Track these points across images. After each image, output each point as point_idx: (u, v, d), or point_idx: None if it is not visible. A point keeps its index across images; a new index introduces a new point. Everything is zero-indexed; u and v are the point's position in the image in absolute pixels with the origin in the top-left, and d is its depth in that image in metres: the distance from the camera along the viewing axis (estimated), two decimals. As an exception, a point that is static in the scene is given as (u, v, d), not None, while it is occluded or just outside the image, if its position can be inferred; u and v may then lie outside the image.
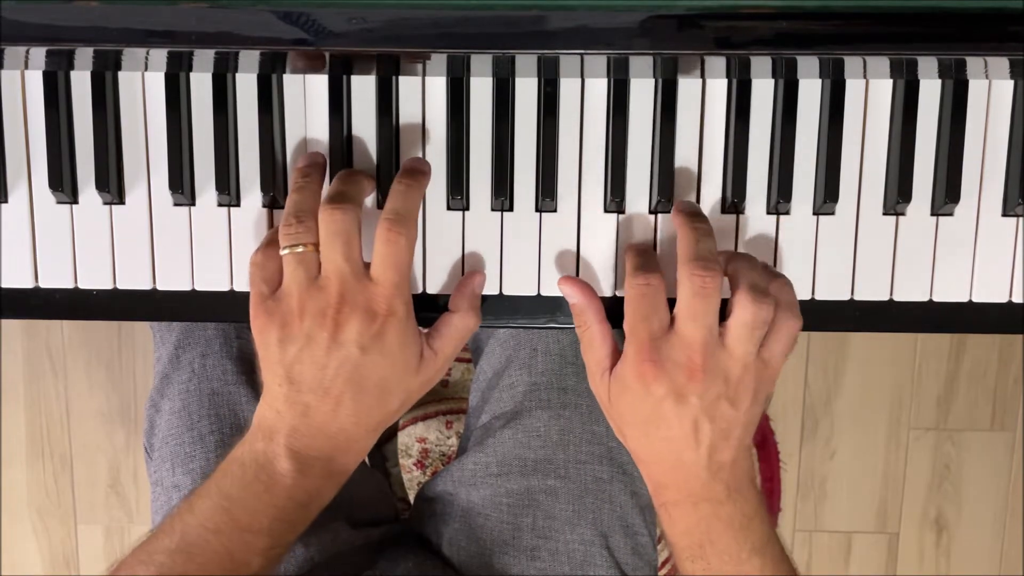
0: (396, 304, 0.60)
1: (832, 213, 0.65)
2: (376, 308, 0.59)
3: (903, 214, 0.65)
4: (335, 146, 0.64)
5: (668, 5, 0.58)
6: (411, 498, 1.07)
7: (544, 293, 0.66)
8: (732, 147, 0.64)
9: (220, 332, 0.80)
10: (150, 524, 0.82)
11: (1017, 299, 0.66)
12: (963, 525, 1.56)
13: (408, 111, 0.65)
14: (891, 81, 0.64)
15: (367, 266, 0.60)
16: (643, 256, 0.62)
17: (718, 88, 0.64)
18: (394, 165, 0.65)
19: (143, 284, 0.66)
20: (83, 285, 0.66)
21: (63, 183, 0.64)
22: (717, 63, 0.62)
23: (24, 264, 0.66)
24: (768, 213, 0.65)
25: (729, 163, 0.64)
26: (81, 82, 0.64)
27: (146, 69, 0.64)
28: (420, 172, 0.63)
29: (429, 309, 0.66)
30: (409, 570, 0.77)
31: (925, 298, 0.66)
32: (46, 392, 1.55)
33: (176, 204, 0.66)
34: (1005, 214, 0.65)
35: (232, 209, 0.66)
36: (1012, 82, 0.64)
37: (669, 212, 0.65)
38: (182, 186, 0.64)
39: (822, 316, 0.66)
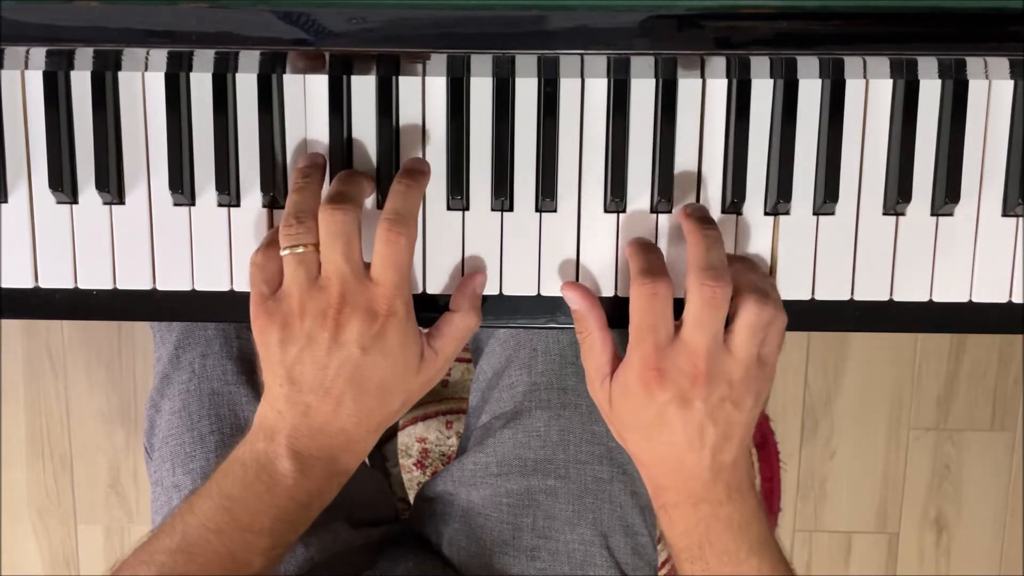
0: (397, 304, 0.60)
1: (832, 213, 0.65)
2: (377, 308, 0.59)
3: (903, 214, 0.65)
4: (335, 146, 0.64)
5: (668, 5, 0.58)
6: (411, 498, 1.07)
7: (544, 293, 0.66)
8: (732, 147, 0.64)
9: (220, 332, 0.80)
10: (150, 524, 0.82)
11: (1017, 299, 0.66)
12: (963, 525, 1.56)
13: (408, 111, 0.65)
14: (891, 81, 0.64)
15: (367, 266, 0.60)
16: (648, 256, 0.62)
17: (718, 88, 0.64)
18: (394, 165, 0.65)
19: (143, 284, 0.66)
20: (83, 285, 0.66)
21: (63, 183, 0.64)
22: (717, 63, 0.62)
23: (24, 264, 0.66)
24: (768, 213, 0.65)
25: (729, 163, 0.64)
26: (81, 82, 0.64)
27: (146, 69, 0.64)
28: (420, 172, 0.63)
29: (429, 309, 0.66)
30: (409, 570, 0.77)
31: (925, 298, 0.66)
32: (46, 392, 1.55)
33: (176, 204, 0.66)
34: (1005, 214, 0.65)
35: (232, 209, 0.66)
36: (1012, 82, 0.64)
37: (669, 212, 0.65)
38: (182, 186, 0.64)
39: (822, 316, 0.66)
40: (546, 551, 0.75)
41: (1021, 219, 0.65)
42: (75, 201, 0.65)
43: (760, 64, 0.62)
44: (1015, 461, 1.54)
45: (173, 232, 0.66)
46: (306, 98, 0.65)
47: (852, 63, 0.62)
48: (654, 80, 0.64)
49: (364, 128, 0.65)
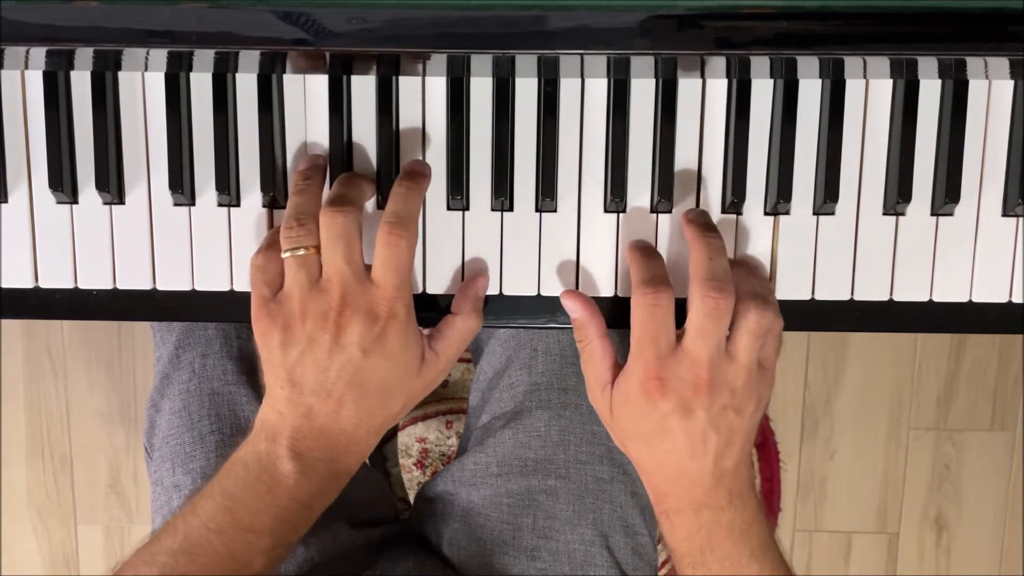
0: (397, 306, 0.60)
1: (832, 213, 0.65)
2: (377, 310, 0.60)
3: (903, 214, 0.65)
4: (335, 146, 0.64)
5: (668, 5, 0.58)
6: (411, 498, 1.07)
7: (544, 293, 0.66)
8: (732, 147, 0.64)
9: (220, 332, 0.80)
10: (150, 524, 0.82)
11: (1017, 299, 0.66)
12: (963, 525, 1.56)
13: (408, 111, 0.65)
14: (891, 81, 0.64)
15: (368, 268, 0.61)
16: (650, 264, 0.62)
17: (718, 88, 0.64)
18: (394, 165, 0.65)
19: (143, 284, 0.66)
20: (83, 285, 0.66)
21: (63, 183, 0.64)
22: (717, 63, 0.62)
23: (24, 264, 0.66)
24: (768, 213, 0.65)
25: (729, 163, 0.64)
26: (81, 82, 0.64)
27: (146, 69, 0.64)
28: (420, 175, 0.63)
29: (429, 309, 0.66)
30: (409, 570, 0.77)
31: (925, 298, 0.66)
32: (46, 392, 1.55)
33: (176, 204, 0.66)
34: (1005, 214, 0.65)
35: (232, 209, 0.66)
36: (1012, 82, 0.64)
37: (669, 212, 0.65)
38: (182, 186, 0.64)
39: (822, 316, 0.66)
40: (546, 551, 0.75)
41: (1021, 219, 0.65)
42: (75, 201, 0.65)
43: (760, 64, 0.62)
44: (1015, 461, 1.54)
45: (173, 232, 0.66)
46: (306, 98, 0.65)
47: (852, 63, 0.62)
48: (654, 80, 0.64)
49: (364, 128, 0.65)
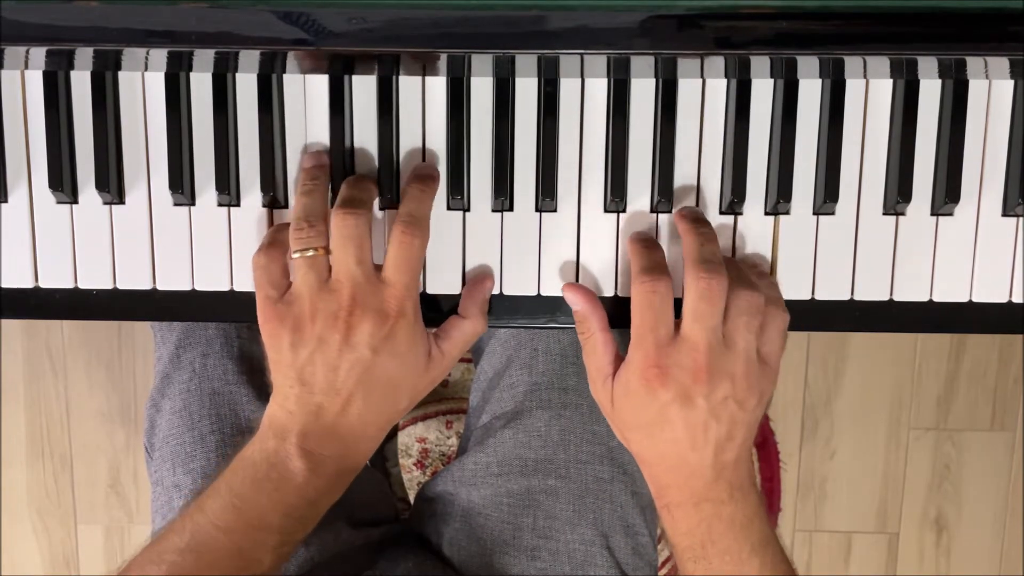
0: (406, 305, 0.60)
1: (832, 213, 0.65)
2: (387, 309, 0.60)
3: (903, 214, 0.65)
4: (335, 146, 0.64)
5: (668, 5, 0.58)
6: (411, 498, 1.07)
7: (544, 293, 0.66)
8: (732, 147, 0.64)
9: (221, 332, 0.80)
10: (150, 524, 0.82)
11: (1017, 299, 0.66)
12: (963, 525, 1.56)
13: (408, 111, 0.65)
14: (891, 81, 0.64)
15: (377, 268, 0.61)
16: (649, 255, 0.62)
17: (718, 88, 0.64)
18: (394, 165, 0.65)
19: (143, 284, 0.66)
20: (83, 285, 0.66)
21: (63, 183, 0.64)
22: (717, 63, 0.62)
23: (24, 264, 0.66)
24: (768, 213, 0.65)
25: (729, 163, 0.64)
26: (81, 82, 0.64)
27: (146, 69, 0.64)
28: (432, 178, 0.64)
29: (429, 309, 0.66)
30: (409, 570, 0.77)
31: (925, 298, 0.66)
32: (46, 392, 1.55)
33: (176, 204, 0.66)
34: (1005, 214, 0.65)
35: (232, 209, 0.66)
36: (1012, 82, 0.64)
37: (669, 212, 0.65)
38: (182, 186, 0.64)
39: (822, 316, 0.66)
40: (546, 551, 0.75)
41: (1021, 219, 0.65)
42: (75, 201, 0.65)
43: (760, 64, 0.62)
44: (1015, 461, 1.54)
45: (173, 232, 0.66)
46: (306, 98, 0.65)
47: (852, 63, 0.62)
48: (654, 80, 0.64)
49: (364, 128, 0.65)
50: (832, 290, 0.66)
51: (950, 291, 0.65)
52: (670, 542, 0.65)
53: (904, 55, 0.61)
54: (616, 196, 0.64)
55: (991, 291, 0.66)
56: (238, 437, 0.76)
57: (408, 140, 0.65)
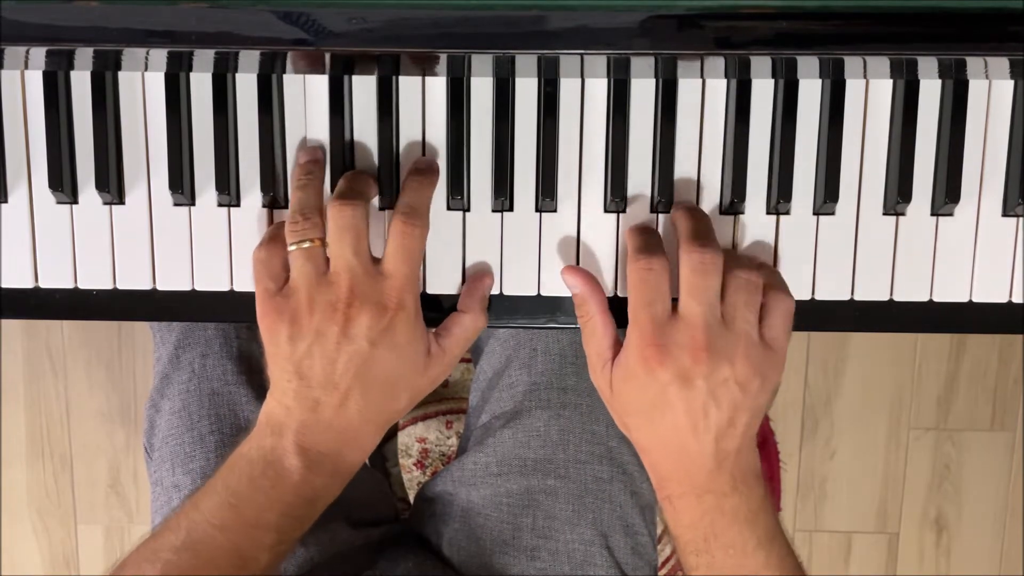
0: (406, 298, 0.60)
1: (832, 213, 0.65)
2: (386, 302, 0.60)
3: (903, 214, 0.65)
4: (335, 146, 0.64)
5: (668, 5, 0.58)
6: (411, 498, 1.07)
7: (544, 293, 0.66)
8: (732, 147, 0.64)
9: (220, 332, 0.80)
10: (150, 524, 0.82)
11: (1017, 299, 0.66)
12: (963, 525, 1.56)
13: (408, 111, 0.65)
14: (891, 81, 0.64)
15: (376, 261, 0.61)
16: (645, 236, 0.62)
17: (718, 88, 0.64)
18: (394, 165, 0.65)
19: (143, 284, 0.66)
20: (83, 285, 0.66)
21: (63, 183, 0.64)
22: (717, 63, 0.62)
23: (24, 264, 0.66)
24: (768, 213, 0.65)
25: (729, 163, 0.64)
26: (81, 82, 0.64)
27: (146, 69, 0.64)
28: (431, 170, 0.64)
29: (429, 309, 0.66)
30: (409, 570, 0.77)
31: (925, 298, 0.66)
32: (46, 392, 1.55)
33: (176, 204, 0.66)
34: (1005, 214, 0.65)
35: (232, 209, 0.66)
36: (1012, 82, 0.64)
37: (669, 212, 0.65)
38: (182, 186, 0.64)
39: (822, 316, 0.66)
40: (546, 551, 0.75)
41: (1021, 219, 0.65)
42: (75, 201, 0.65)
43: (760, 64, 0.62)
44: (1015, 461, 1.54)
45: (173, 232, 0.66)
46: (306, 98, 0.65)
47: (852, 63, 0.62)
48: (654, 80, 0.64)
49: (364, 128, 0.65)
50: (832, 290, 0.66)
51: (950, 291, 0.65)
52: (672, 535, 0.64)
53: (904, 55, 0.61)
54: (616, 196, 0.64)
55: (991, 291, 0.66)
56: (237, 437, 0.76)
57: (408, 140, 0.65)
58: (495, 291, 0.66)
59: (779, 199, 0.64)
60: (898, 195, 0.64)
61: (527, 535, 0.75)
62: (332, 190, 0.64)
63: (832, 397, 1.54)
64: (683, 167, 0.65)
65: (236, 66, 0.64)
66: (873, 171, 0.65)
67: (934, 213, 0.65)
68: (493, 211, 0.65)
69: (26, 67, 0.64)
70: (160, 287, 0.66)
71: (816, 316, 0.66)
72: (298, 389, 0.61)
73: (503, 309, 0.67)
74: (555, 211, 0.65)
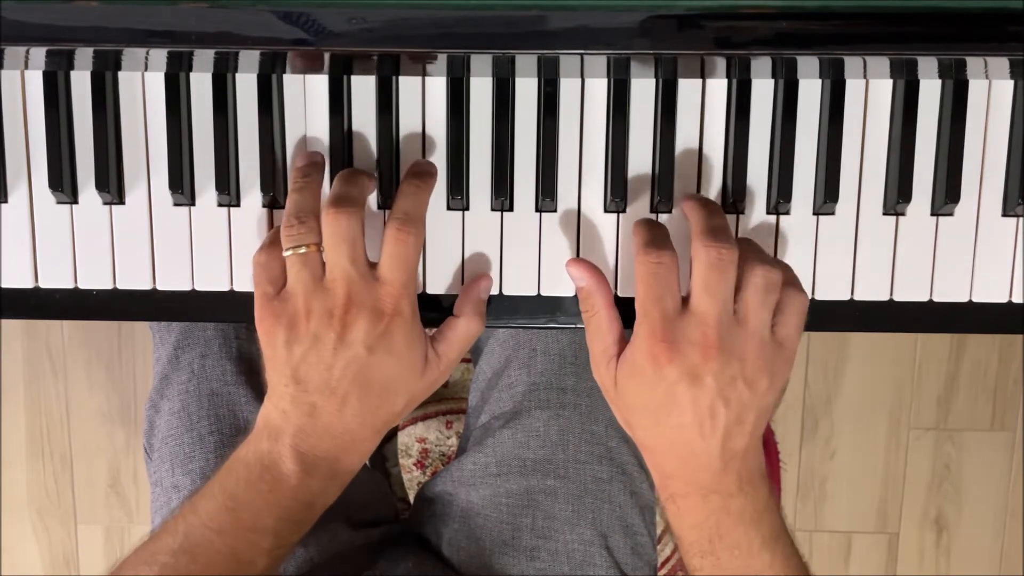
0: (403, 304, 0.60)
1: (832, 213, 0.65)
2: (383, 308, 0.60)
3: (903, 214, 0.65)
4: (335, 146, 0.64)
5: (668, 5, 0.58)
6: (411, 498, 1.07)
7: (544, 293, 0.66)
8: (732, 147, 0.64)
9: (220, 332, 0.80)
10: (150, 524, 0.82)
11: (1017, 299, 0.66)
12: (963, 525, 1.56)
13: (408, 111, 0.65)
14: (891, 81, 0.64)
15: (372, 266, 0.61)
16: (653, 230, 0.61)
17: (718, 88, 0.64)
18: (394, 165, 0.65)
19: (143, 284, 0.66)
20: (83, 285, 0.66)
21: (63, 183, 0.64)
22: (717, 63, 0.62)
23: (24, 264, 0.66)
24: (768, 213, 0.65)
25: (729, 163, 0.64)
26: (81, 82, 0.64)
27: (146, 69, 0.64)
28: (428, 174, 0.63)
29: (429, 309, 0.66)
30: (409, 570, 0.77)
31: (925, 298, 0.66)
32: (46, 392, 1.55)
33: (176, 204, 0.66)
34: (1005, 214, 0.65)
35: (232, 209, 0.66)
36: (1012, 82, 0.64)
37: (669, 212, 0.65)
38: (182, 186, 0.64)
39: (822, 316, 0.66)
40: (545, 551, 0.75)
41: (1021, 219, 0.65)
42: (75, 201, 0.65)
43: (760, 64, 0.62)
44: (1015, 461, 1.54)
45: (173, 232, 0.66)
46: (306, 98, 0.65)
47: (852, 63, 0.62)
48: (654, 80, 0.64)
49: (364, 128, 0.65)
50: (832, 290, 0.66)
51: (950, 291, 0.65)
52: (675, 536, 0.63)
53: (904, 55, 0.61)
54: (616, 196, 0.64)
55: (991, 291, 0.66)
56: (237, 438, 0.76)
57: (408, 140, 0.65)
58: (495, 291, 0.66)
59: (779, 199, 0.64)
60: (898, 195, 0.64)
61: (527, 535, 0.75)
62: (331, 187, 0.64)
63: (832, 397, 1.54)
64: (683, 167, 0.65)
65: (236, 66, 0.64)
66: (873, 171, 0.65)
67: (934, 213, 0.65)
68: (493, 211, 0.65)
69: (26, 67, 0.64)
70: (160, 287, 0.66)
71: (816, 316, 0.66)
72: (295, 394, 0.61)
73: (503, 309, 0.67)
74: (555, 211, 0.65)
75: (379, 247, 0.61)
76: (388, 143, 0.64)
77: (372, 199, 0.65)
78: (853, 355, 1.52)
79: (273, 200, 0.65)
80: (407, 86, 0.64)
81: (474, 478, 0.78)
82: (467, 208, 0.65)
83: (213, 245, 0.66)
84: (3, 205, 0.66)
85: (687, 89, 0.64)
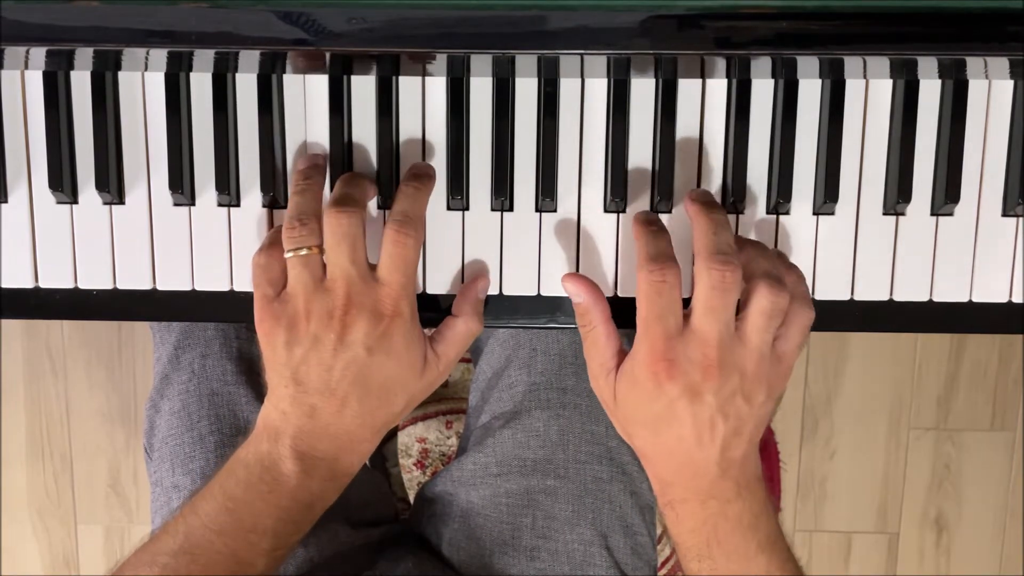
0: (402, 305, 0.60)
1: (832, 213, 0.65)
2: (382, 309, 0.60)
3: (903, 214, 0.65)
4: (335, 146, 0.65)
5: (668, 5, 0.58)
6: (411, 498, 1.07)
7: (544, 293, 0.66)
8: (732, 147, 0.64)
9: (220, 332, 0.80)
10: (150, 524, 0.82)
11: (1017, 299, 0.66)
12: (963, 525, 1.56)
13: (408, 111, 0.65)
14: (891, 81, 0.64)
15: (372, 267, 0.61)
16: (656, 241, 0.60)
17: (718, 88, 0.64)
18: (394, 165, 0.65)
19: (143, 284, 0.66)
20: (83, 285, 0.66)
21: (63, 183, 0.64)
22: (717, 63, 0.62)
23: (24, 264, 0.66)
24: (768, 213, 0.65)
25: (729, 163, 0.64)
26: (81, 82, 0.64)
27: (146, 69, 0.64)
28: (427, 176, 0.64)
29: (430, 309, 0.66)
30: (409, 570, 0.77)
31: (925, 298, 0.66)
32: (46, 392, 1.55)
33: (176, 204, 0.66)
34: (1005, 214, 0.65)
35: (232, 209, 0.66)
36: (1012, 82, 0.64)
37: (670, 212, 0.65)
38: (182, 186, 0.64)
39: (822, 316, 0.66)
40: (546, 551, 0.75)
41: (1021, 219, 0.65)
42: (75, 201, 0.66)
43: (760, 64, 0.62)
44: (1015, 461, 1.54)
45: (173, 232, 0.66)
46: (306, 98, 0.65)
47: (852, 63, 0.62)
48: (654, 80, 0.64)
49: (364, 128, 0.65)
50: (832, 290, 0.66)
51: (950, 291, 0.65)
52: (673, 540, 0.64)
53: (904, 55, 0.61)
54: (616, 196, 0.64)
55: (991, 291, 0.66)
56: (237, 438, 0.76)
57: (408, 141, 0.65)
58: (495, 291, 0.66)
59: (779, 199, 0.64)
60: (898, 195, 0.64)
61: (527, 535, 0.75)
62: (332, 189, 0.64)
63: (832, 397, 1.54)
64: (683, 167, 0.65)
65: (236, 66, 0.64)
66: (873, 171, 0.65)
67: (934, 213, 0.65)
68: (493, 211, 0.65)
69: (26, 67, 0.64)
70: (160, 287, 0.66)
71: (816, 316, 0.66)
72: (295, 395, 0.61)
73: (503, 309, 0.67)
74: (555, 211, 0.65)
75: (379, 249, 0.61)
76: (388, 144, 0.64)
77: (372, 204, 0.65)
78: (853, 355, 1.52)
79: (273, 200, 0.65)
80: (407, 86, 0.64)
81: (474, 478, 0.78)
82: (467, 208, 0.65)
83: (213, 245, 0.66)
84: (3, 205, 0.66)
85: (687, 89, 0.64)
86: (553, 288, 0.66)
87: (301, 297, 0.60)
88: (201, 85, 0.64)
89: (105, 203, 0.65)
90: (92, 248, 0.66)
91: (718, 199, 0.65)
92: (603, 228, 0.65)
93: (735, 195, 0.64)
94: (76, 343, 1.54)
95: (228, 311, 0.67)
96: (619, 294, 0.66)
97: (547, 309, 0.67)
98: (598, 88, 0.64)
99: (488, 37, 0.59)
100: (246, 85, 0.65)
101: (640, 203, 0.65)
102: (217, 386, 0.79)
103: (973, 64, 0.62)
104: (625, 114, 0.64)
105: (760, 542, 0.61)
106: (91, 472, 1.57)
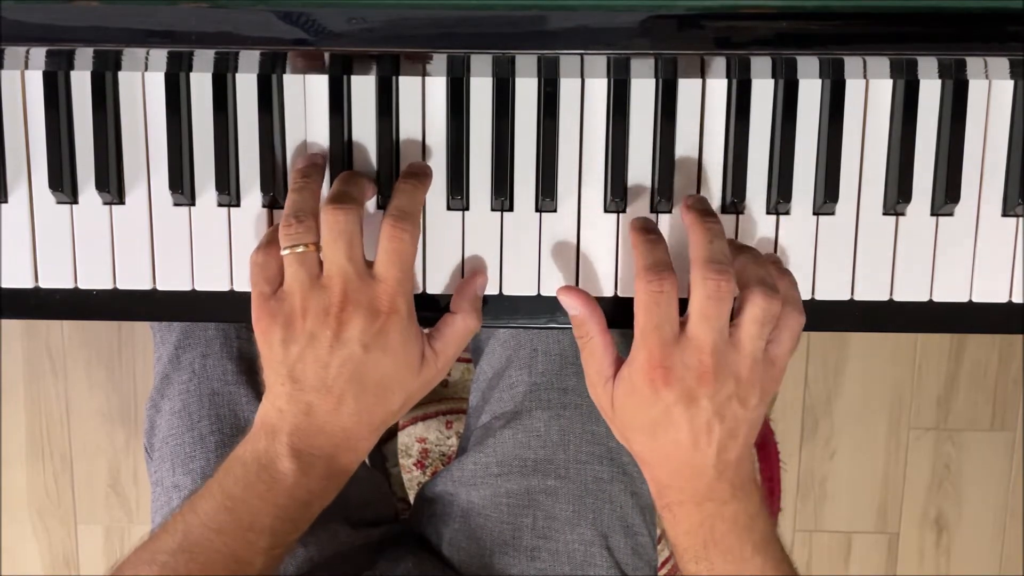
0: (399, 302, 0.60)
1: (832, 213, 0.65)
2: (379, 306, 0.60)
3: (903, 214, 0.65)
4: (335, 146, 0.65)
5: (668, 5, 0.58)
6: (411, 498, 1.07)
7: (544, 293, 0.66)
8: (732, 147, 0.64)
9: (220, 332, 0.80)
10: (150, 524, 0.82)
11: (1017, 299, 0.66)
12: (963, 525, 1.56)
13: (408, 111, 0.65)
14: (891, 81, 0.64)
15: (369, 265, 0.61)
16: (653, 250, 0.61)
17: (718, 88, 0.64)
18: (394, 165, 0.65)
19: (143, 284, 0.66)
20: (83, 285, 0.66)
21: (63, 183, 0.64)
22: (717, 63, 0.62)
23: (24, 264, 0.66)
24: (768, 213, 0.65)
25: (729, 163, 0.64)
26: (81, 82, 0.64)
27: (146, 69, 0.64)
28: (423, 174, 0.64)
29: (429, 309, 0.66)
30: (409, 570, 0.77)
31: (925, 298, 0.66)
32: (46, 392, 1.55)
33: (176, 204, 0.66)
34: (1005, 214, 0.65)
35: (232, 209, 0.66)
36: (1012, 82, 0.64)
37: (669, 212, 0.65)
38: (182, 186, 0.64)
39: (822, 316, 0.66)
40: (546, 551, 0.75)
41: (1021, 219, 0.65)
42: (75, 201, 0.66)
43: (760, 64, 0.62)
44: (1015, 461, 1.54)
45: (173, 232, 0.66)
46: (306, 98, 0.65)
47: (852, 63, 0.62)
48: (654, 80, 0.64)
49: (364, 128, 0.65)
50: (832, 290, 0.66)
51: (950, 291, 0.65)
52: (671, 542, 0.65)
53: (904, 55, 0.61)
54: (616, 196, 0.64)
55: (991, 291, 0.66)
56: (238, 438, 0.76)
57: (408, 141, 0.65)
58: (495, 291, 0.66)
59: (779, 199, 0.64)
60: (898, 195, 0.64)
61: (527, 535, 0.75)
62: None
63: (832, 397, 1.54)
64: (683, 167, 0.65)
65: (236, 66, 0.64)
66: (873, 171, 0.65)
67: (934, 213, 0.65)
68: (493, 211, 0.65)
69: (26, 67, 0.64)
70: (160, 287, 0.66)
71: (816, 316, 0.66)
72: (291, 392, 0.61)
73: (503, 309, 0.67)
74: (555, 211, 0.65)
75: (376, 247, 0.62)
76: (388, 144, 0.64)
77: (372, 203, 0.65)
78: (853, 355, 1.52)
79: (273, 200, 0.65)
80: (407, 86, 0.64)
81: (475, 478, 0.78)
82: (467, 208, 0.66)
83: (213, 245, 0.66)
84: (3, 205, 0.66)
85: (687, 89, 0.64)
86: (553, 288, 0.66)
87: (297, 294, 0.60)
88: (201, 85, 0.64)
89: (105, 203, 0.65)
90: (92, 248, 0.66)
91: (718, 199, 0.65)
92: (603, 228, 0.65)
93: (735, 195, 0.64)
94: (76, 343, 1.54)
95: (228, 311, 0.67)
96: (619, 294, 0.66)
97: (547, 309, 0.67)
98: (598, 88, 0.64)
99: (488, 37, 0.59)
100: (246, 85, 0.65)
101: (640, 203, 0.65)
102: (218, 386, 0.79)
103: (973, 64, 0.62)
104: (625, 114, 0.64)
105: (755, 543, 0.61)
106: (91, 472, 1.57)
